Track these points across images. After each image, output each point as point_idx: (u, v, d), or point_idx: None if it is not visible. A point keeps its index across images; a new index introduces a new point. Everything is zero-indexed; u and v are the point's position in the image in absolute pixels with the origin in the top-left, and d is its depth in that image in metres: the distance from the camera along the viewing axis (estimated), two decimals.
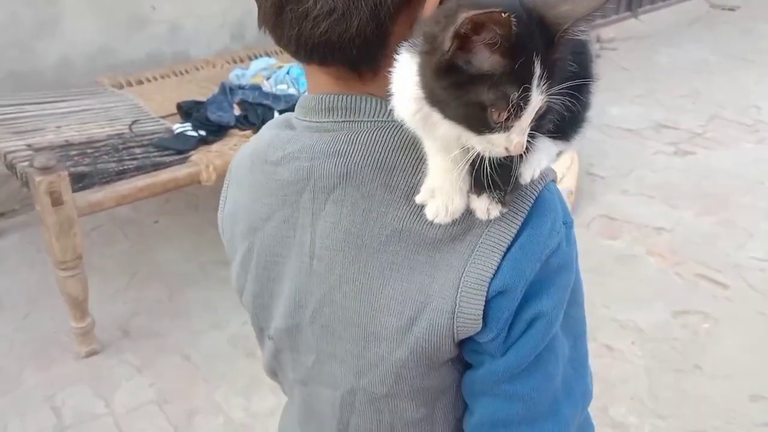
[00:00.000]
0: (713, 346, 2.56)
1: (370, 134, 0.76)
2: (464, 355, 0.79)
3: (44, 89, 3.23)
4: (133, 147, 2.58)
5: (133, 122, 2.79)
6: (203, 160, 2.49)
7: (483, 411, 0.78)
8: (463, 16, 0.57)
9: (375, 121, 0.77)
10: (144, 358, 2.48)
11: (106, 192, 2.29)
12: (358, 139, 0.77)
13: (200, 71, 3.59)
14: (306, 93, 0.84)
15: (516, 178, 0.72)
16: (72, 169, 2.31)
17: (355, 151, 0.77)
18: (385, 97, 0.72)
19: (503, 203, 0.71)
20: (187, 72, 3.56)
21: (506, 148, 0.65)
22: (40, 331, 2.60)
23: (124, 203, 2.39)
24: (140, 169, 2.44)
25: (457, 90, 0.62)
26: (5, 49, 3.30)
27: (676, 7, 7.40)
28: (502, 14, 0.57)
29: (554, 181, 0.79)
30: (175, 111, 2.92)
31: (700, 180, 3.75)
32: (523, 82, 0.60)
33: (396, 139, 0.76)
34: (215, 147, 2.64)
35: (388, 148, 0.76)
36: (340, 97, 0.77)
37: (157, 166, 2.48)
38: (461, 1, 0.63)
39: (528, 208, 0.73)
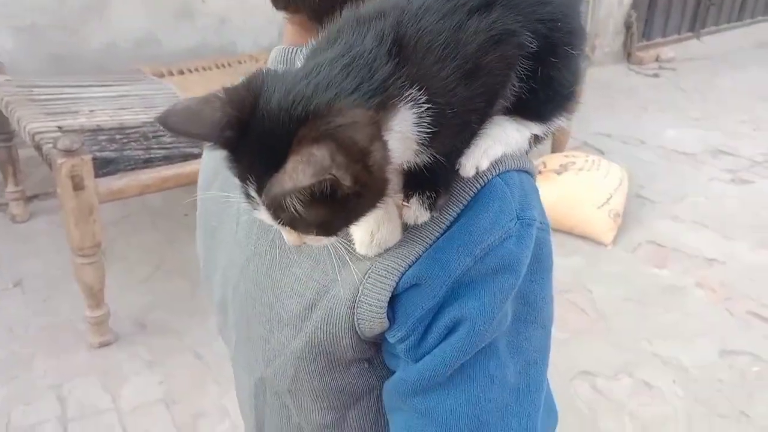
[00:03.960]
0: (763, 392, 2.34)
1: None
2: (384, 358, 0.68)
3: (86, 73, 3.22)
4: (162, 136, 2.51)
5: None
6: None
7: (396, 429, 0.66)
8: None
9: None
10: (156, 353, 2.39)
11: (129, 179, 2.23)
12: None
13: (243, 65, 3.53)
14: None
15: (454, 173, 0.61)
16: (98, 154, 2.25)
17: None
18: None
19: (433, 208, 0.60)
20: (230, 65, 3.51)
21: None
22: (57, 317, 2.55)
23: (147, 192, 2.32)
24: (168, 159, 2.37)
25: None
26: (50, 31, 3.29)
27: (741, 30, 7.11)
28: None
29: (528, 172, 0.66)
30: None
31: (758, 211, 3.51)
32: (245, 194, 0.54)
33: None
34: None
35: None
36: (294, 49, 0.71)
37: (185, 158, 2.40)
38: None
39: (469, 197, 0.61)
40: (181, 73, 3.35)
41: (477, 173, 0.61)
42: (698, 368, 2.42)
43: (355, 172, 0.49)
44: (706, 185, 3.78)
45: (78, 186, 2.08)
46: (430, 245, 0.61)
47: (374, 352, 0.68)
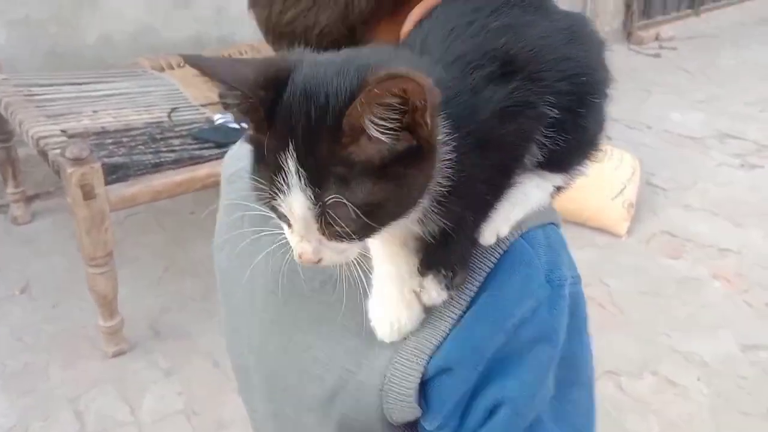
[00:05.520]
0: None
1: None
2: None
3: (83, 68, 3.12)
4: (171, 137, 2.44)
5: (172, 110, 2.65)
6: None
7: None
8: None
9: None
10: (173, 361, 2.35)
11: (140, 186, 2.16)
12: None
13: (244, 56, 3.44)
14: None
15: (470, 246, 0.57)
16: (106, 160, 2.18)
17: None
18: None
19: (450, 287, 0.56)
20: (230, 57, 3.41)
21: (299, 255, 0.50)
22: (68, 324, 2.50)
23: (159, 199, 2.26)
24: (178, 163, 2.30)
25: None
26: (46, 24, 3.19)
27: (741, 5, 7.03)
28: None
29: (555, 224, 0.63)
30: (216, 100, 2.77)
31: None
32: (275, 173, 0.47)
33: None
34: None
35: None
36: None
37: (195, 160, 2.33)
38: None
39: (491, 264, 0.57)
40: (181, 66, 3.26)
41: (498, 239, 0.58)
42: (720, 364, 2.41)
43: (430, 122, 0.44)
44: (715, 171, 3.75)
45: (89, 195, 2.01)
46: (456, 322, 0.57)
47: (411, 431, 0.65)
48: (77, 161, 1.98)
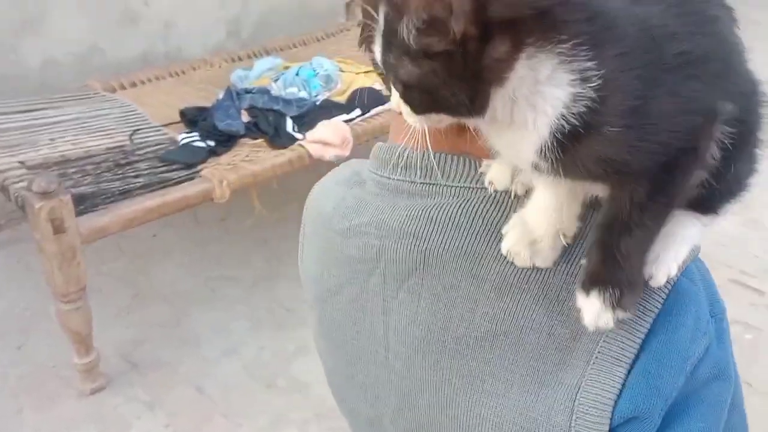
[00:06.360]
0: (761, 358, 2.42)
1: (453, 210, 0.62)
2: None
3: (28, 94, 2.97)
4: (136, 161, 2.35)
5: (134, 132, 2.56)
6: (215, 175, 2.27)
7: None
8: None
9: (460, 188, 0.62)
10: (154, 392, 2.26)
11: (111, 216, 2.07)
12: (439, 217, 0.63)
13: (197, 71, 3.36)
14: (384, 143, 0.71)
15: (641, 278, 0.56)
16: (73, 191, 2.08)
17: (434, 232, 0.62)
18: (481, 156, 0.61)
19: (620, 306, 0.54)
20: (183, 72, 3.33)
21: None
22: (37, 365, 2.37)
23: (131, 227, 2.17)
24: (147, 187, 2.22)
25: None
26: None
27: None
28: None
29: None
30: (178, 118, 2.69)
31: None
32: (373, 20, 0.51)
33: (484, 217, 0.61)
34: (225, 159, 2.42)
35: (475, 231, 0.61)
36: (424, 154, 0.63)
37: (164, 183, 2.25)
38: None
39: (659, 304, 0.57)
40: (134, 85, 3.16)
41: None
42: None
43: (470, 30, 0.45)
44: None
45: (59, 229, 1.92)
46: (632, 366, 0.56)
47: None
48: (45, 195, 1.88)
